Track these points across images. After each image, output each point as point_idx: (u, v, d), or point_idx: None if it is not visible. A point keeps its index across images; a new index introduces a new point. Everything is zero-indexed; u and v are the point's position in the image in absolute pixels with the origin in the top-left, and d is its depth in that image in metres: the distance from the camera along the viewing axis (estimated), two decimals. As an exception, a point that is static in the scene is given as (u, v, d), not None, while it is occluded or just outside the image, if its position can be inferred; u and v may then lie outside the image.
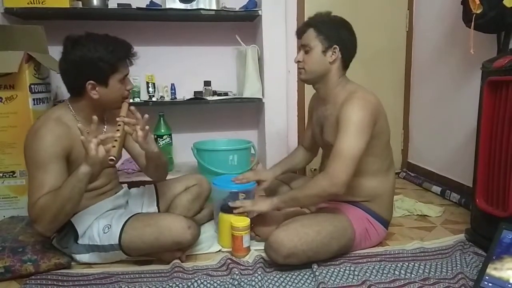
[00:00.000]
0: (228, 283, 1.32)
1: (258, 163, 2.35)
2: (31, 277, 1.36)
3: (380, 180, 1.52)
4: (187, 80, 2.51)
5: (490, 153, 1.47)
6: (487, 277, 1.20)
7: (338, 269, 1.39)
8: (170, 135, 2.34)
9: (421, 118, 2.65)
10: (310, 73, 1.50)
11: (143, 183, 1.83)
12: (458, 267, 1.38)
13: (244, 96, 2.39)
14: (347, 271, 1.37)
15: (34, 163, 1.27)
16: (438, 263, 1.43)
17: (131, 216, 1.45)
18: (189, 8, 2.24)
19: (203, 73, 2.51)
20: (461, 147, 2.21)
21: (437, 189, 2.31)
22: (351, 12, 2.52)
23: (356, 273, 1.36)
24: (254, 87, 2.40)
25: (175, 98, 2.43)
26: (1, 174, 1.82)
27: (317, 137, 1.65)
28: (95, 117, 1.24)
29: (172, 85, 2.44)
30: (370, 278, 1.33)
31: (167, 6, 2.21)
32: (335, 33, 1.45)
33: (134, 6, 2.20)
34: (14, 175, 1.83)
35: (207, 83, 2.46)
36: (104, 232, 1.41)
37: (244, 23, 2.52)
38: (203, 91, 2.44)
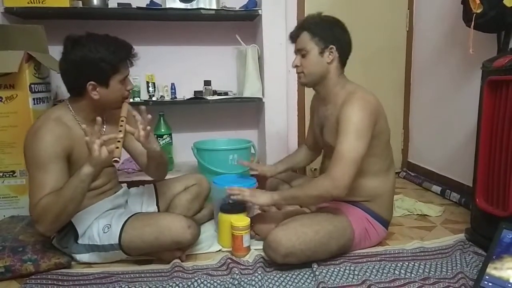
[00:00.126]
0: (228, 282, 1.32)
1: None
2: (31, 277, 1.36)
3: (381, 180, 1.52)
4: (187, 79, 2.51)
5: (490, 153, 1.47)
6: (487, 277, 1.20)
7: (338, 268, 1.39)
8: (170, 134, 2.34)
9: (421, 118, 2.65)
10: (310, 76, 1.49)
11: (142, 182, 1.83)
12: (458, 267, 1.38)
13: (244, 95, 2.39)
14: (347, 271, 1.37)
15: (35, 163, 1.27)
16: (438, 263, 1.43)
17: (131, 216, 1.45)
18: (189, 7, 2.23)
19: (203, 73, 2.51)
20: (461, 146, 2.21)
21: (437, 188, 2.31)
22: (351, 12, 2.55)
23: (356, 272, 1.36)
24: (254, 86, 2.40)
25: (175, 97, 2.43)
26: (1, 174, 1.83)
27: (317, 137, 1.65)
28: (99, 118, 1.24)
29: (172, 84, 2.44)
30: (370, 278, 1.33)
31: (167, 6, 2.21)
32: (330, 33, 1.45)
33: (134, 6, 2.20)
34: (14, 175, 1.83)
35: (207, 83, 2.46)
36: (104, 232, 1.41)
37: (244, 23, 2.52)
38: (203, 91, 2.44)
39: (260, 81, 2.42)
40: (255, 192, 1.54)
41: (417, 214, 1.97)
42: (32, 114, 1.81)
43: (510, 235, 1.24)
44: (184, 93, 2.48)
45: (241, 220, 1.50)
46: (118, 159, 1.23)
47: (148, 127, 1.36)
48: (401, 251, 1.52)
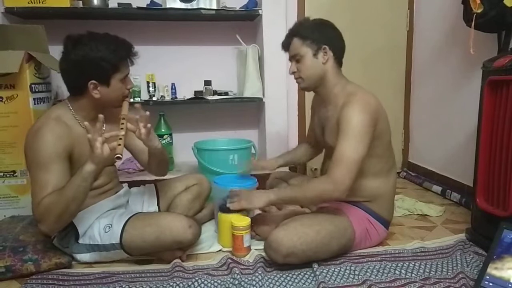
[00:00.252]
0: (228, 282, 1.32)
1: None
2: (32, 277, 1.36)
3: (382, 180, 1.52)
4: (188, 79, 2.51)
5: (491, 153, 1.47)
6: (487, 277, 1.20)
7: (339, 268, 1.39)
8: (170, 134, 2.34)
9: (422, 118, 2.65)
10: (308, 79, 1.50)
11: (143, 182, 1.83)
12: (458, 267, 1.38)
13: (245, 95, 2.39)
14: (347, 271, 1.37)
15: (36, 163, 1.27)
16: (439, 263, 1.43)
17: (132, 216, 1.45)
18: (189, 7, 2.23)
19: (203, 73, 2.51)
20: (461, 146, 2.21)
21: (437, 188, 2.31)
22: (351, 12, 2.55)
23: (356, 272, 1.36)
24: (255, 86, 2.40)
25: (176, 97, 2.43)
26: (1, 174, 1.83)
27: (318, 137, 1.65)
28: (101, 116, 1.24)
29: (173, 84, 2.44)
30: (371, 278, 1.33)
31: (168, 6, 2.21)
32: (320, 34, 1.45)
33: (134, 6, 2.20)
34: (14, 175, 1.83)
35: (207, 83, 2.46)
36: (105, 232, 1.41)
37: (245, 23, 2.52)
38: (204, 91, 2.44)
39: (260, 81, 2.42)
40: (251, 196, 1.51)
41: (418, 214, 1.97)
42: (32, 114, 1.81)
43: (510, 235, 1.24)
44: (185, 93, 2.48)
45: (241, 220, 1.50)
46: (120, 156, 1.23)
47: (149, 125, 1.37)
48: (401, 251, 1.52)
